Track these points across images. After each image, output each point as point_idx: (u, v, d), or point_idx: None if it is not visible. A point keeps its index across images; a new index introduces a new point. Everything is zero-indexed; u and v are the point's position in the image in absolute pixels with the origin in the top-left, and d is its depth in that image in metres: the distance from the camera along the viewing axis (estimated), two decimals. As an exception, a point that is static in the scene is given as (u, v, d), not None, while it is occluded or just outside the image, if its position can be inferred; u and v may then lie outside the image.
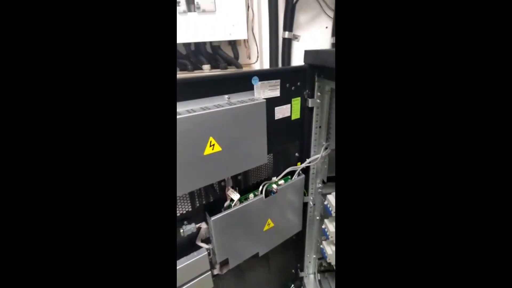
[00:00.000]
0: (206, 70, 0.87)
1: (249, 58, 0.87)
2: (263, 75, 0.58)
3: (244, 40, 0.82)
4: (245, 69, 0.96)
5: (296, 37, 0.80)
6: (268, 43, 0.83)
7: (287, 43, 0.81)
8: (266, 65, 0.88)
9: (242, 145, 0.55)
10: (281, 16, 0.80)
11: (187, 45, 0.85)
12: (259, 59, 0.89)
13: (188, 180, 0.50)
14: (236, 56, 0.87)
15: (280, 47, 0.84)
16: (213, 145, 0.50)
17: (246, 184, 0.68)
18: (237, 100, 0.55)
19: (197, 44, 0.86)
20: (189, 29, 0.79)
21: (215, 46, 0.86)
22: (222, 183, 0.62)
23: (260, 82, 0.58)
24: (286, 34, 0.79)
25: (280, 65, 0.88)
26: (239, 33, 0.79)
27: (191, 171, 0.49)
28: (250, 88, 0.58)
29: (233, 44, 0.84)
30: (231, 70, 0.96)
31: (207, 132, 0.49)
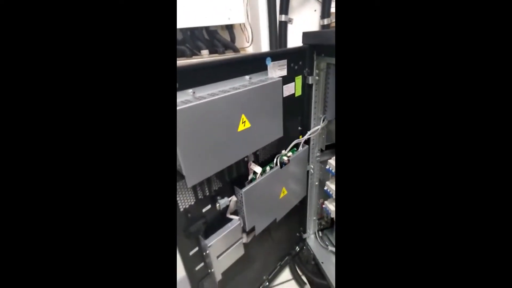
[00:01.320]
0: (205, 56, 0.87)
1: (248, 42, 0.90)
2: (275, 56, 0.64)
3: (241, 24, 0.84)
4: (247, 52, 0.96)
5: (290, 20, 0.85)
6: (265, 26, 0.87)
7: (284, 25, 0.86)
8: (264, 48, 0.93)
9: (265, 121, 0.61)
10: (277, 0, 0.84)
11: (184, 30, 0.83)
12: (255, 42, 0.92)
13: (226, 156, 0.54)
14: (233, 40, 0.89)
15: (278, 30, 0.89)
16: (244, 122, 0.55)
17: (263, 158, 0.75)
18: (257, 79, 0.60)
19: (192, 30, 0.85)
20: (186, 14, 0.78)
21: (212, 31, 0.86)
22: (245, 159, 0.68)
23: (272, 63, 0.63)
24: (283, 17, 0.84)
25: (278, 47, 0.93)
26: (237, 17, 0.80)
27: (228, 147, 0.54)
28: (264, 68, 0.63)
29: (230, 28, 0.86)
30: (234, 54, 0.96)
31: (240, 110, 0.53)
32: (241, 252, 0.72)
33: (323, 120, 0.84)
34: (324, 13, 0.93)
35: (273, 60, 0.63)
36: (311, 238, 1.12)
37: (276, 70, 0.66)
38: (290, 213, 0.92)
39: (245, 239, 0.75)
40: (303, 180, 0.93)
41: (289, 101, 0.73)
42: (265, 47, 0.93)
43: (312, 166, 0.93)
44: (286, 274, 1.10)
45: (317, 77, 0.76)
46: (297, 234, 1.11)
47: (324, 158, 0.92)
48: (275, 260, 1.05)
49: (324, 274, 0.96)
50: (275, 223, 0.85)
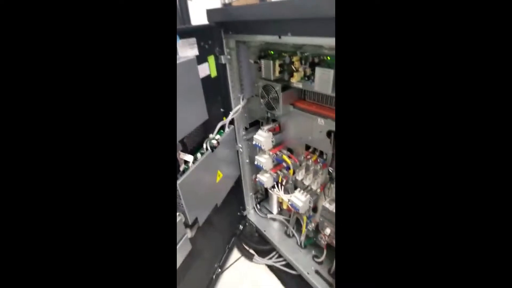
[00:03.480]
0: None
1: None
2: (182, 33, 0.59)
3: None
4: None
5: (189, -4, 0.79)
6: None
7: (184, 3, 0.78)
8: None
9: (186, 104, 0.57)
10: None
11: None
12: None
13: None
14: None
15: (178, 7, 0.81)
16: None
17: (191, 146, 0.70)
18: (167, 59, 0.54)
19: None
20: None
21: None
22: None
23: (181, 41, 0.58)
24: (182, -6, 0.77)
25: (182, 24, 0.84)
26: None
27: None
28: (172, 47, 0.57)
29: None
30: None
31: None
32: (188, 247, 0.68)
33: (242, 99, 0.86)
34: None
35: (181, 37, 0.58)
36: (251, 213, 1.19)
37: (187, 49, 0.61)
38: (228, 196, 0.94)
39: (189, 233, 0.71)
40: (235, 160, 0.95)
41: (206, 82, 0.71)
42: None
43: (241, 145, 0.96)
44: (235, 254, 1.13)
45: (228, 56, 0.77)
46: (238, 213, 1.15)
47: (249, 136, 0.96)
48: (223, 245, 1.06)
49: (267, 239, 1.06)
50: (216, 210, 0.84)
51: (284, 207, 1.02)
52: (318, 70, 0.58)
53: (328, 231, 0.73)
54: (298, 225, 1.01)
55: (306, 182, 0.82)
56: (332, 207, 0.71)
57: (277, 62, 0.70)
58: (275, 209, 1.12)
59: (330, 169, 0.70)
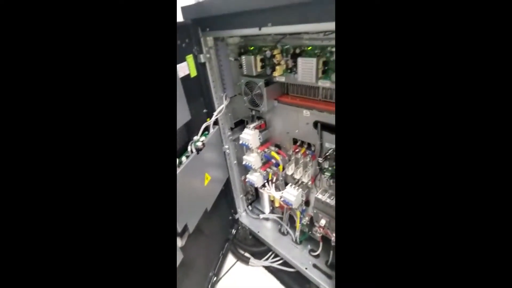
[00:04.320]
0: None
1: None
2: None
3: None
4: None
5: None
6: None
7: None
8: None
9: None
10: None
11: None
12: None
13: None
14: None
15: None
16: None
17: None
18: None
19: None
20: None
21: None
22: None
23: (156, 37, 0.55)
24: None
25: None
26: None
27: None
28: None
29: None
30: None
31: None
32: (180, 257, 0.64)
33: (225, 98, 0.85)
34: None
35: (156, 34, 0.55)
36: (243, 215, 1.16)
37: (164, 47, 0.58)
38: (218, 200, 0.91)
39: (179, 242, 0.66)
40: (223, 162, 0.92)
41: (186, 82, 0.68)
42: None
43: (227, 146, 0.94)
44: (230, 259, 1.09)
45: (207, 55, 0.75)
46: (230, 217, 1.12)
47: (235, 136, 0.94)
48: (216, 252, 1.02)
49: (262, 240, 1.04)
50: (206, 215, 0.80)
51: (276, 205, 1.00)
52: (300, 60, 0.58)
53: (323, 222, 0.73)
54: (291, 222, 1.00)
55: (297, 176, 0.81)
56: (325, 197, 0.71)
57: (258, 57, 0.70)
58: (267, 209, 1.11)
59: (320, 160, 0.70)
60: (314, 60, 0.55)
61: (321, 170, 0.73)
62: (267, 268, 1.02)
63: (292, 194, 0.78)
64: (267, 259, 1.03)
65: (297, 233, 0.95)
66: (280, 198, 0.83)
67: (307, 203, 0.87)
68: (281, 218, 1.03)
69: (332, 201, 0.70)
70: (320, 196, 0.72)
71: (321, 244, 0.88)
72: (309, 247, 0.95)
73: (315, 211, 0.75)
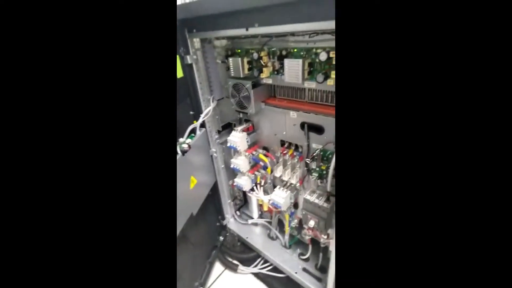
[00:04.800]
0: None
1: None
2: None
3: None
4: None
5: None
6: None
7: None
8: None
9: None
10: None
11: None
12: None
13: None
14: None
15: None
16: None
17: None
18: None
19: None
20: None
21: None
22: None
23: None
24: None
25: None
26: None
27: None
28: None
29: None
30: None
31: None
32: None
33: (212, 101, 0.84)
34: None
35: (141, 32, 0.54)
36: (231, 221, 1.13)
37: (149, 45, 0.57)
38: (205, 206, 0.88)
39: (165, 249, 0.63)
40: (210, 166, 0.90)
41: (172, 82, 0.67)
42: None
43: (215, 150, 0.92)
44: (218, 268, 1.05)
45: (194, 56, 0.74)
46: (217, 224, 1.09)
47: (223, 139, 0.93)
48: (202, 260, 0.98)
49: (252, 247, 1.01)
50: (193, 221, 0.77)
51: (265, 209, 0.99)
52: (287, 61, 0.59)
53: (312, 223, 0.72)
54: (280, 226, 0.99)
55: (285, 178, 0.81)
56: (313, 198, 0.71)
57: (246, 59, 0.70)
58: (255, 213, 1.09)
59: (307, 160, 0.71)
60: (300, 61, 0.57)
61: (309, 171, 0.73)
62: (256, 275, 1.00)
63: (280, 196, 0.78)
64: (256, 265, 1.00)
65: (286, 237, 0.94)
66: (269, 201, 0.82)
67: (295, 205, 0.87)
68: (269, 223, 1.01)
69: (320, 202, 0.70)
70: (308, 197, 0.72)
71: (310, 247, 0.87)
72: (298, 250, 0.94)
73: (303, 213, 0.75)
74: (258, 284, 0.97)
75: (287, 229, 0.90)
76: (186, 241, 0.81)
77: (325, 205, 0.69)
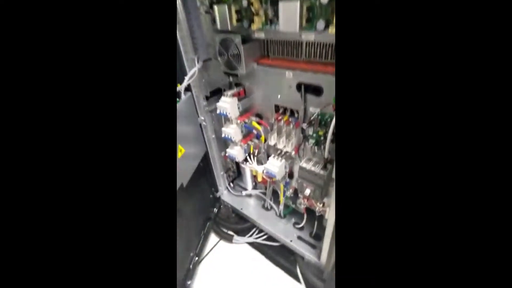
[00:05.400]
0: None
1: None
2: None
3: None
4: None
5: None
6: None
7: None
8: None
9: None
10: None
11: None
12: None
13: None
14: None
15: None
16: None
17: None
18: None
19: None
20: None
21: None
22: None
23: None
24: None
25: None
26: None
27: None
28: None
29: None
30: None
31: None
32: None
33: (198, 61, 0.74)
34: None
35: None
36: (225, 193, 1.10)
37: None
38: (198, 178, 0.84)
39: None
40: (198, 134, 0.84)
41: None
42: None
43: (203, 118, 0.85)
44: (213, 239, 1.05)
45: (174, 5, 0.63)
46: (211, 196, 1.06)
47: (212, 107, 0.85)
48: (197, 232, 0.97)
49: (246, 217, 1.00)
50: (184, 193, 0.73)
51: (259, 179, 0.95)
52: (281, 5, 0.49)
53: (307, 191, 0.69)
54: (275, 196, 0.97)
55: (280, 146, 0.76)
56: (309, 166, 0.67)
57: (234, 8, 0.60)
58: (249, 185, 1.06)
59: (304, 126, 0.65)
60: (297, 3, 0.47)
61: (305, 137, 0.68)
62: (251, 244, 1.00)
63: (275, 165, 0.73)
64: (251, 235, 1.00)
65: (281, 207, 0.92)
66: (263, 170, 0.78)
67: (290, 175, 0.83)
68: (264, 193, 0.99)
69: (317, 169, 0.66)
70: (304, 165, 0.68)
71: (305, 216, 0.86)
72: (293, 220, 0.93)
73: (299, 181, 0.71)
74: (253, 253, 0.98)
75: (281, 199, 0.88)
76: (180, 213, 0.78)
77: (322, 172, 0.65)
